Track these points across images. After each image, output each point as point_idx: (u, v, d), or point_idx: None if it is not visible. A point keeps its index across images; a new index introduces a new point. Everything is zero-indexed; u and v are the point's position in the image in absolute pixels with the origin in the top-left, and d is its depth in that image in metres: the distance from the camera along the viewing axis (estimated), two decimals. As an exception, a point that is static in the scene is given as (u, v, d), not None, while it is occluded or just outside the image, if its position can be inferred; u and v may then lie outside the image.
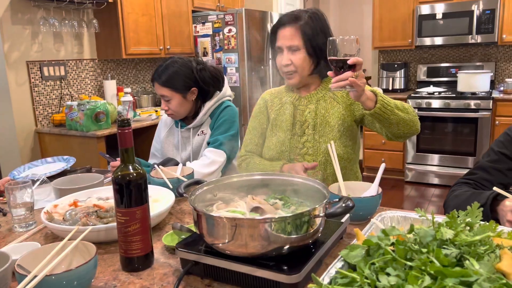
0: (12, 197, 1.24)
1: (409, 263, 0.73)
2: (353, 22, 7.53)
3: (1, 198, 1.49)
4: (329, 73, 1.23)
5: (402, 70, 4.77)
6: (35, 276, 0.79)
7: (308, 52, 1.46)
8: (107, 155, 1.71)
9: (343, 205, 0.88)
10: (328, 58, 1.20)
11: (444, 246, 0.78)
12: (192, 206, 0.92)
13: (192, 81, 1.73)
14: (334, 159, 1.34)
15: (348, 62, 1.16)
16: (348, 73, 1.17)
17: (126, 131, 0.95)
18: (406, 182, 4.58)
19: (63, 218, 1.16)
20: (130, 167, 0.95)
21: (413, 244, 0.77)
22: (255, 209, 0.99)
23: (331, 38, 1.19)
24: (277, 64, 1.51)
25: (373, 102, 1.29)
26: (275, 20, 4.34)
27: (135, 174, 0.95)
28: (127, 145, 0.95)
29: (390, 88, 4.79)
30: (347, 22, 7.63)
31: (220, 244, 0.89)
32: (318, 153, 1.51)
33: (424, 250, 0.75)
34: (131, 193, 0.94)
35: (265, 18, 4.26)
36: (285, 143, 1.54)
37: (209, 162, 1.68)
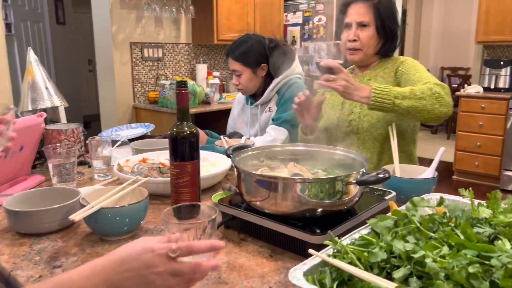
0: (94, 150, 1.43)
1: (433, 234, 0.71)
2: (460, 15, 6.98)
3: (88, 154, 1.70)
4: (318, 73, 1.35)
5: (509, 68, 4.32)
6: (93, 208, 0.92)
7: (377, 30, 1.47)
8: None
9: (378, 175, 0.87)
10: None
11: (479, 225, 0.74)
12: (233, 165, 0.98)
13: (263, 57, 1.80)
14: (393, 140, 1.32)
15: (320, 64, 1.27)
16: (324, 77, 1.27)
17: (183, 91, 1.03)
18: (502, 190, 4.17)
19: (131, 171, 1.30)
20: (185, 125, 1.04)
21: (441, 217, 0.75)
22: (295, 176, 1.02)
23: (308, 44, 1.35)
24: (341, 40, 1.52)
25: (367, 99, 1.28)
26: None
27: (188, 132, 1.03)
28: (184, 104, 1.04)
29: (492, 87, 4.38)
30: (454, 14, 7.10)
31: (257, 202, 0.94)
32: (361, 131, 1.51)
33: (452, 224, 0.72)
34: (184, 148, 1.03)
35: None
36: (333, 121, 1.57)
37: (270, 139, 1.74)
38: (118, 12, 3.48)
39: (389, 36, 1.49)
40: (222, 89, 4.02)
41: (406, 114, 1.29)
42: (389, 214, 0.91)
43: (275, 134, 1.73)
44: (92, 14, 3.59)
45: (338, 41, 1.33)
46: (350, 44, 1.49)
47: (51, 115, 1.62)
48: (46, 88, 1.52)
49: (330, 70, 1.26)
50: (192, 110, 3.34)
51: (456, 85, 6.62)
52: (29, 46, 1.57)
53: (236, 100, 2.08)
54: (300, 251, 0.88)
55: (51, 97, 1.52)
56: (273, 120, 1.81)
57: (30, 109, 1.49)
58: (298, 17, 4.21)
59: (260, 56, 1.80)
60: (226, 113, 3.74)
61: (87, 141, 1.51)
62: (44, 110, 1.51)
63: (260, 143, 1.71)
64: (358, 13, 1.47)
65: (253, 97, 1.94)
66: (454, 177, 4.51)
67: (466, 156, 4.35)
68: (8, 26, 3.94)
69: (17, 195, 1.05)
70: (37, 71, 1.51)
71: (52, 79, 1.58)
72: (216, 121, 3.78)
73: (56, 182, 1.31)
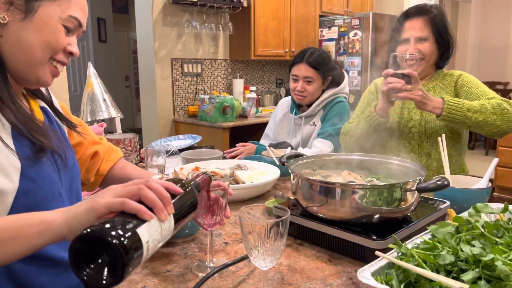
0: (149, 159, 1.50)
1: (498, 240, 0.72)
2: (498, 28, 6.85)
3: (142, 163, 1.78)
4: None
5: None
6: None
7: (437, 42, 1.51)
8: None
9: (438, 182, 0.89)
10: (385, 71, 1.37)
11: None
12: (290, 170, 1.02)
13: (331, 70, 1.85)
14: (444, 152, 1.32)
15: (405, 72, 1.30)
16: (397, 85, 1.31)
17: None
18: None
19: (186, 178, 1.36)
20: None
21: (506, 223, 0.75)
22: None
23: (392, 54, 1.38)
24: (397, 54, 1.53)
25: (440, 110, 1.34)
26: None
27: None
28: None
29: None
30: (491, 27, 6.97)
31: (314, 207, 0.97)
32: (423, 139, 1.53)
33: (518, 229, 0.73)
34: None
35: (393, 22, 4.16)
36: (392, 126, 1.58)
37: (317, 151, 1.76)
38: (160, 29, 3.62)
39: (446, 47, 1.54)
40: (258, 103, 4.08)
41: (475, 127, 1.35)
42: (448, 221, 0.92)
43: (321, 146, 1.76)
44: (136, 31, 3.75)
45: (415, 53, 1.40)
46: (411, 56, 1.50)
47: (108, 126, 1.71)
48: (104, 100, 1.61)
49: (406, 79, 1.31)
50: (230, 124, 3.41)
51: (495, 100, 6.45)
52: (89, 61, 1.67)
53: (279, 105, 2.12)
54: (358, 256, 0.90)
55: (108, 108, 1.61)
56: (318, 134, 1.84)
57: (89, 120, 1.58)
58: (333, 32, 4.25)
59: (329, 68, 1.85)
60: (262, 126, 3.80)
61: (141, 151, 1.59)
62: (102, 121, 1.60)
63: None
64: (415, 28, 1.51)
65: (299, 107, 1.98)
66: (495, 194, 4.37)
67: (507, 172, 4.22)
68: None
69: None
70: (96, 84, 1.61)
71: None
72: (251, 135, 3.84)
73: (114, 189, 1.38)
